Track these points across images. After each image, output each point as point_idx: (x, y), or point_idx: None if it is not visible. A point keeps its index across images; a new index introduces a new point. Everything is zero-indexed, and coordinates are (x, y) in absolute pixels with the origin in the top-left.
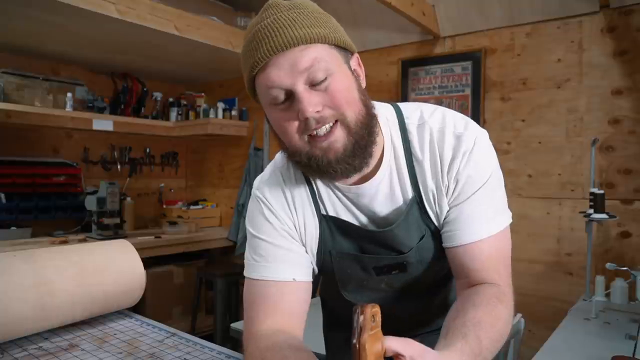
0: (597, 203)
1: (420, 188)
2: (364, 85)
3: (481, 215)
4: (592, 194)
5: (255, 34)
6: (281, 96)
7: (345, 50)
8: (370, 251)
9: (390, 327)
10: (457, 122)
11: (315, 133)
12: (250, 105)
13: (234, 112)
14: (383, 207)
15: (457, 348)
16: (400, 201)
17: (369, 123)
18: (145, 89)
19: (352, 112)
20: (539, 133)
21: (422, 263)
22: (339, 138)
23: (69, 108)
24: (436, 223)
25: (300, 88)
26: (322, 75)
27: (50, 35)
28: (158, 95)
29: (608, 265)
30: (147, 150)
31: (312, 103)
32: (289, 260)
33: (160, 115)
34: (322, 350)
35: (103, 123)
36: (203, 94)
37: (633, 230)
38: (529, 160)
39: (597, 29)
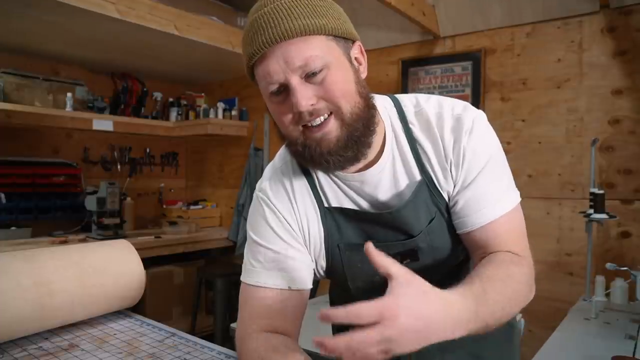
0: (597, 203)
1: (429, 169)
2: (364, 74)
3: (490, 196)
4: (592, 194)
5: (254, 22)
6: (276, 89)
7: (345, 39)
8: (379, 237)
9: None
10: (454, 105)
11: (309, 124)
12: (250, 105)
13: (234, 112)
14: (387, 193)
15: (457, 291)
16: (405, 186)
17: (366, 115)
18: (145, 89)
19: (348, 104)
20: (539, 133)
21: (433, 250)
22: (332, 129)
23: (69, 108)
24: (447, 201)
25: (295, 82)
26: (318, 67)
27: (50, 35)
28: (158, 95)
29: (608, 265)
30: (147, 150)
31: (305, 97)
32: (286, 268)
33: (160, 115)
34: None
35: (103, 123)
36: (203, 94)
37: (633, 230)
38: (529, 160)
39: (597, 29)
